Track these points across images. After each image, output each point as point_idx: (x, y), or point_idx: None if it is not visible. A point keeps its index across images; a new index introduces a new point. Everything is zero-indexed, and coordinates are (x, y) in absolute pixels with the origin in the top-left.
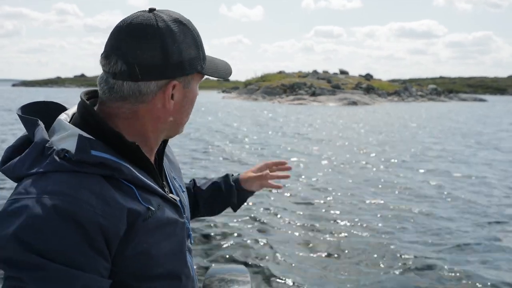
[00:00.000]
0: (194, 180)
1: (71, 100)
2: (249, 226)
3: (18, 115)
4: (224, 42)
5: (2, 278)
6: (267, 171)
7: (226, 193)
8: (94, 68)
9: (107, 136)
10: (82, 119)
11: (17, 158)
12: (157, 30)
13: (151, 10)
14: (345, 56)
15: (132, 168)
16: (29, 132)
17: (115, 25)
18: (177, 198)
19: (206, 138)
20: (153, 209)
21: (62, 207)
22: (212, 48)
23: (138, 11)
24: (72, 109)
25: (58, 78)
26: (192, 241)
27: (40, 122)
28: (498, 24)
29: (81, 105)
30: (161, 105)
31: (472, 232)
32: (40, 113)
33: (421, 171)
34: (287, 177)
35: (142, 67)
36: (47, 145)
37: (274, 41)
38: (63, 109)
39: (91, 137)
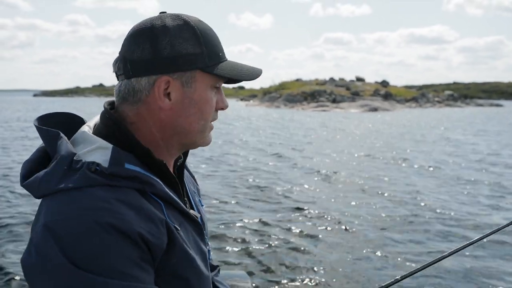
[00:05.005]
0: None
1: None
2: (251, 232)
3: (36, 126)
4: (234, 50)
5: None
6: None
7: None
8: (110, 78)
9: (136, 149)
10: (108, 130)
11: (42, 173)
12: (151, 26)
13: (161, 13)
14: (356, 62)
15: (161, 183)
16: (47, 145)
17: None
18: (198, 215)
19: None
20: (177, 227)
21: (109, 222)
22: None
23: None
24: (93, 120)
25: (78, 88)
26: (211, 257)
27: (63, 135)
28: (510, 28)
29: (106, 116)
30: (157, 104)
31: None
32: (58, 125)
33: None
34: None
35: (133, 62)
36: (75, 158)
37: (284, 49)
38: (80, 120)
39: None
